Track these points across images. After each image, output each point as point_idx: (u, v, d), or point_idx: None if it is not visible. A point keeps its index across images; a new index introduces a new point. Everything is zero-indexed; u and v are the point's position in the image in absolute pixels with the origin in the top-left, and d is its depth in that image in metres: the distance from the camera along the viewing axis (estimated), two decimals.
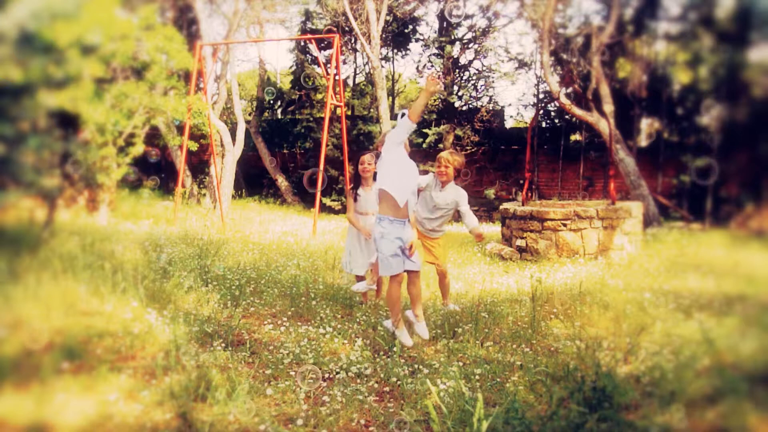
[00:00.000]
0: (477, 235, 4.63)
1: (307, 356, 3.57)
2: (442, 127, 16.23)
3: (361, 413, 2.82)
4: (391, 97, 18.13)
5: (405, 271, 3.92)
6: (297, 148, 17.51)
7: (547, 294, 5.06)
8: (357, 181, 4.90)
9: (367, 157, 4.86)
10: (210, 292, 4.81)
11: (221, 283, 5.07)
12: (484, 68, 16.52)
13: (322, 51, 16.52)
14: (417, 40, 17.81)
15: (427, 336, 3.98)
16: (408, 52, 18.25)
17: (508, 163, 16.07)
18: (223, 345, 3.63)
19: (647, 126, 12.71)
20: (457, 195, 4.75)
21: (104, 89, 4.33)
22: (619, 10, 10.16)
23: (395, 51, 18.18)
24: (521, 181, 14.51)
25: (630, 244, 7.60)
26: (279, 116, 18.64)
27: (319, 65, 16.72)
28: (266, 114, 18.52)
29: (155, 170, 11.62)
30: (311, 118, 17.30)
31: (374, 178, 4.71)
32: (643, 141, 12.90)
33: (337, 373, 3.33)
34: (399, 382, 3.18)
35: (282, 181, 16.70)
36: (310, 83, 15.69)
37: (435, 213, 4.80)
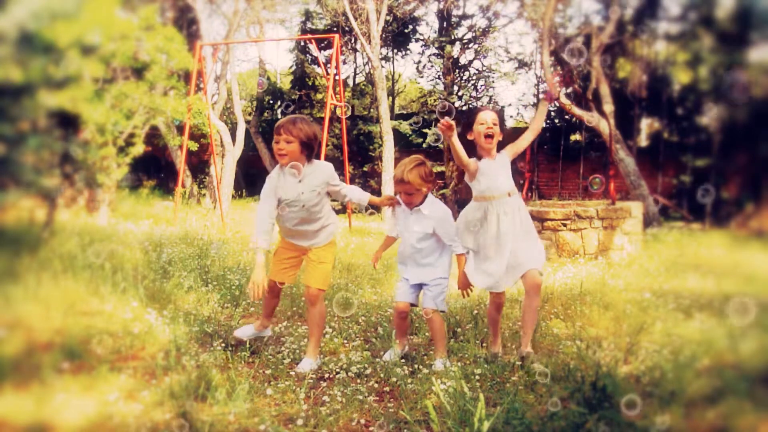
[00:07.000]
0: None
1: None
2: None
3: (361, 413, 2.82)
4: (391, 97, 18.12)
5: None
6: None
7: (547, 294, 5.05)
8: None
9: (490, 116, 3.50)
10: (210, 292, 4.81)
11: (221, 282, 5.06)
12: (484, 68, 16.52)
13: (322, 51, 16.51)
14: (417, 40, 17.80)
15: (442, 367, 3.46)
16: (408, 52, 18.23)
17: None
18: (223, 345, 3.63)
19: (647, 126, 12.72)
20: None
21: (104, 89, 4.33)
22: (619, 10, 10.16)
23: (395, 51, 18.17)
24: (521, 181, 14.51)
25: (630, 244, 7.60)
26: (279, 116, 18.65)
27: (319, 65, 16.72)
28: (266, 114, 18.53)
29: (155, 170, 11.63)
30: (311, 118, 17.29)
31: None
32: (643, 141, 12.91)
33: (337, 373, 3.33)
34: (399, 382, 3.18)
35: None
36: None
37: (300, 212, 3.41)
